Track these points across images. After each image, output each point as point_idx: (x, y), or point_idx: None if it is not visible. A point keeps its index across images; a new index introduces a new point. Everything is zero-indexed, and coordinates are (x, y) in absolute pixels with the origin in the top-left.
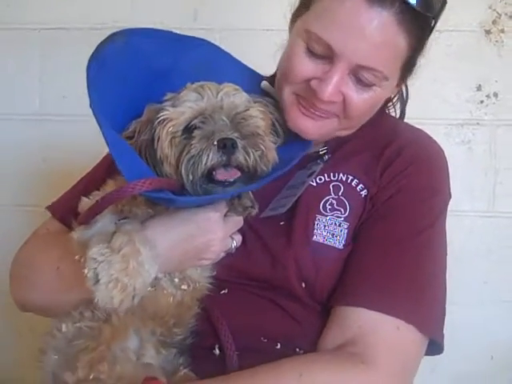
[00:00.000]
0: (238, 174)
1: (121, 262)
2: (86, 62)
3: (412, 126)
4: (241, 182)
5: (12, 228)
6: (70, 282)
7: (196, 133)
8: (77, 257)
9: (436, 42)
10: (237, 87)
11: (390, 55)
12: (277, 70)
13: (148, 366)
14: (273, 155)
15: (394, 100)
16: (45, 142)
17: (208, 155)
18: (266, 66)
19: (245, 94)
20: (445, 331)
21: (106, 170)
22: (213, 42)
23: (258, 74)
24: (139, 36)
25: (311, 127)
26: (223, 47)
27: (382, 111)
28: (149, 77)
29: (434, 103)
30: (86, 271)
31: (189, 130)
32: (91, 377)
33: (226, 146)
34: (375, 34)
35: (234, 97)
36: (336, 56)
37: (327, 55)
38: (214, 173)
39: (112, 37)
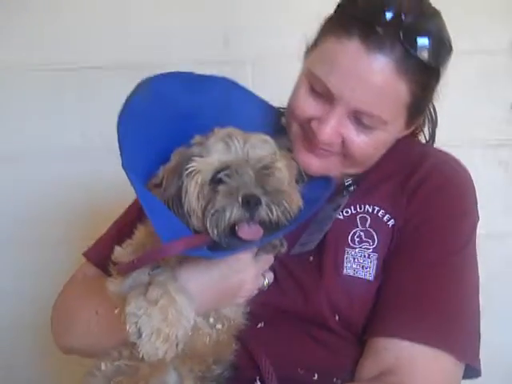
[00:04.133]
0: (261, 232)
1: (160, 313)
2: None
3: (438, 151)
4: (265, 234)
5: (57, 264)
6: (109, 326)
7: (221, 188)
8: (116, 311)
9: (467, 64)
10: (264, 137)
11: (389, 101)
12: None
13: None
14: (297, 206)
15: (421, 126)
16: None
17: (231, 211)
18: None
19: (271, 143)
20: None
21: (137, 212)
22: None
23: (278, 109)
24: (161, 81)
25: (314, 163)
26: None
27: (409, 139)
28: (173, 118)
29: (469, 125)
30: (127, 327)
31: (215, 182)
32: None
33: (250, 203)
34: (373, 79)
35: (261, 149)
36: (335, 99)
37: (328, 96)
38: (236, 228)
39: (136, 88)
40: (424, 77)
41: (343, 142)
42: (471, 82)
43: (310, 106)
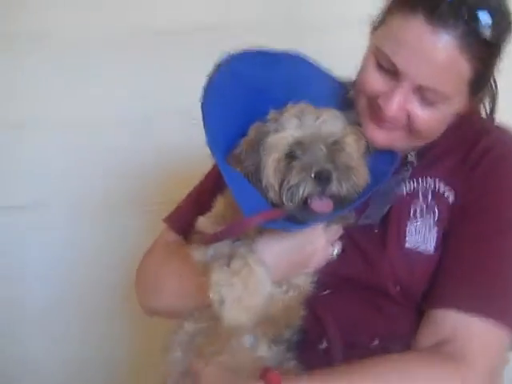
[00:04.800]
0: (331, 206)
1: (241, 283)
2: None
3: (500, 126)
4: (335, 207)
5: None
6: (192, 289)
7: (295, 163)
8: (203, 279)
9: None
10: (335, 113)
11: (452, 77)
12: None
13: (261, 358)
14: (364, 181)
15: (481, 100)
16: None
17: (305, 186)
18: None
19: (341, 118)
20: None
21: (215, 180)
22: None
23: (345, 84)
24: (237, 60)
25: (380, 137)
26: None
27: (469, 114)
28: (249, 94)
29: None
30: (211, 294)
31: (289, 157)
32: (217, 361)
33: (322, 178)
34: (437, 57)
35: (332, 124)
36: (400, 75)
37: (394, 72)
38: (308, 201)
39: (216, 67)
40: (486, 53)
41: (408, 117)
42: None
43: (377, 82)
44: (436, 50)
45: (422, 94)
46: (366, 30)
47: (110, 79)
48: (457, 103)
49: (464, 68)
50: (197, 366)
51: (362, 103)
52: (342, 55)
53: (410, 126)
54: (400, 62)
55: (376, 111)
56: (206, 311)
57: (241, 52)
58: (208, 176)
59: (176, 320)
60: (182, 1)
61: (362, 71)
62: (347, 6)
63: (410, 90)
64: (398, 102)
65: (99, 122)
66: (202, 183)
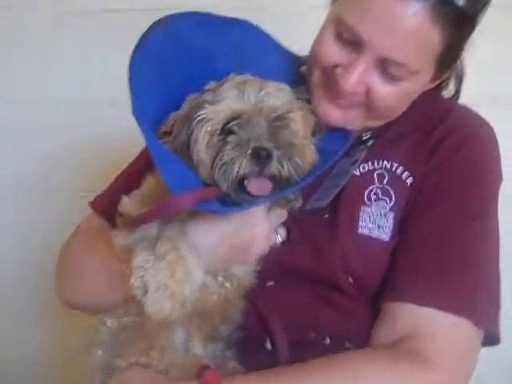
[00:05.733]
0: (270, 187)
1: (167, 268)
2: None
3: (462, 107)
4: (275, 190)
5: (63, 213)
6: (114, 281)
7: (231, 138)
8: (124, 266)
9: (504, 17)
10: (281, 85)
11: (420, 50)
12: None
13: (197, 357)
14: (310, 162)
15: (446, 80)
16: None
17: (241, 164)
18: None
19: (288, 92)
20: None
21: (147, 161)
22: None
23: (299, 57)
24: (180, 21)
25: (334, 114)
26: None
27: (432, 94)
28: (190, 61)
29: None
30: (132, 281)
31: (225, 132)
32: (142, 361)
33: (260, 156)
34: (406, 25)
35: (276, 98)
36: (363, 46)
37: (355, 43)
38: (245, 181)
39: (152, 26)
40: (459, 25)
41: (367, 93)
42: (505, 37)
43: (335, 52)
44: (404, 18)
45: (385, 67)
46: None
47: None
48: (421, 80)
49: (434, 40)
50: (118, 368)
51: (315, 78)
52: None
53: (368, 104)
54: (364, 30)
55: (331, 87)
56: (132, 307)
57: (185, 13)
58: (140, 155)
59: (98, 316)
60: None
61: (319, 42)
62: None
63: (371, 63)
64: (358, 75)
65: (35, 102)
66: (133, 163)
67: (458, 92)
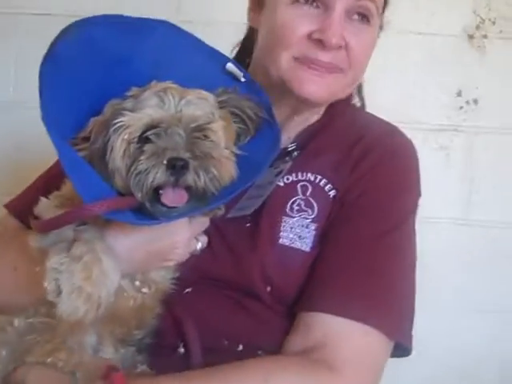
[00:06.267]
0: (185, 198)
1: (83, 270)
2: None
3: (383, 121)
4: (191, 202)
5: None
6: (27, 283)
7: (147, 147)
8: (37, 268)
9: (419, 46)
10: (203, 94)
11: None
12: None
13: (106, 359)
14: (229, 175)
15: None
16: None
17: (156, 173)
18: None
19: (210, 101)
20: (414, 341)
21: None
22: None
23: (225, 57)
24: (92, 25)
25: (318, 88)
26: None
27: (350, 103)
28: (109, 67)
29: (413, 107)
30: (46, 283)
31: (143, 140)
32: (48, 361)
33: (176, 167)
34: None
35: (196, 107)
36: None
37: (318, 4)
38: (160, 192)
39: (63, 32)
40: None
41: (345, 49)
42: (421, 64)
43: (303, 20)
44: None
45: (353, 16)
46: None
47: None
48: (374, 33)
49: None
50: (20, 369)
51: (286, 62)
52: None
53: (347, 59)
54: None
55: (309, 58)
56: (42, 307)
57: (96, 16)
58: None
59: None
60: None
61: (283, 24)
62: None
63: (343, 15)
64: (338, 26)
65: None
66: (52, 167)
67: (362, 100)
